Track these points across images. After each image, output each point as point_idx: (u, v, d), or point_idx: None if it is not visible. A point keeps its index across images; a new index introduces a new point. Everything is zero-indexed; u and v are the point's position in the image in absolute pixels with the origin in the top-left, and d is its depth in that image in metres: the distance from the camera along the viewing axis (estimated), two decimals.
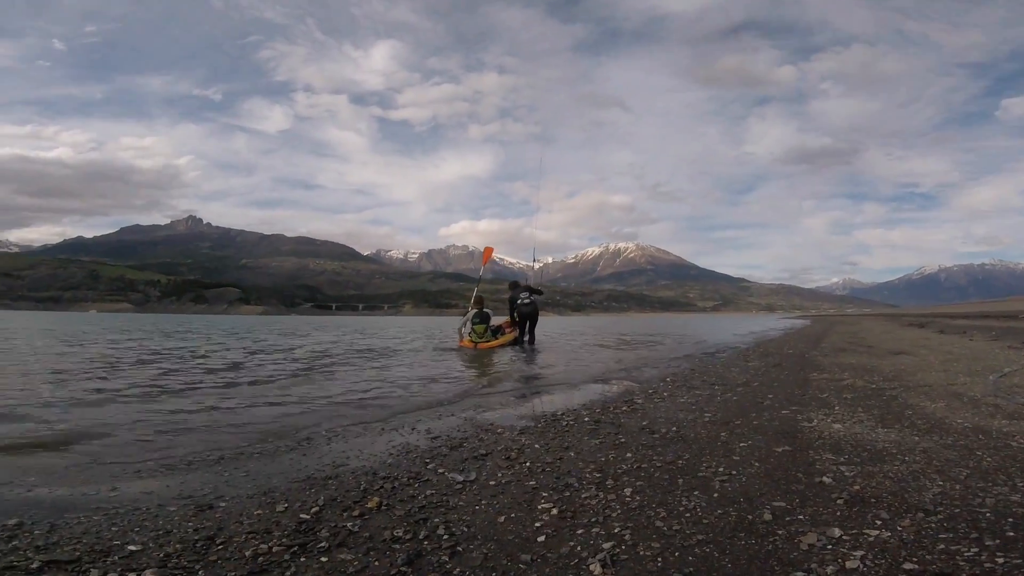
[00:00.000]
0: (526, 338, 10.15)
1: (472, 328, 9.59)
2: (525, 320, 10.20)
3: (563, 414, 3.35)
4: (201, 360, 7.17)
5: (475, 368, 6.16)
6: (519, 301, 10.14)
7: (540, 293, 10.72)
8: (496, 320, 10.20)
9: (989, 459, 1.93)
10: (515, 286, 10.38)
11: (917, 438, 2.25)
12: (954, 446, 2.11)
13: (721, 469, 2.03)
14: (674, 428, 2.78)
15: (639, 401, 3.70)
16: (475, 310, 9.77)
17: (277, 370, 5.99)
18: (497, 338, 9.66)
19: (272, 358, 7.54)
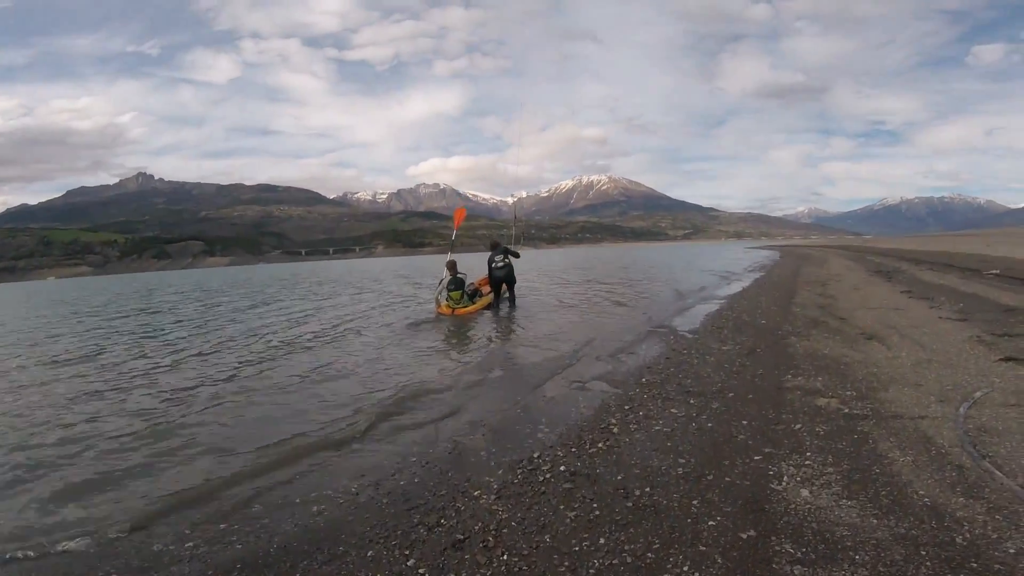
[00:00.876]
0: (505, 302, 10.48)
1: (448, 295, 9.74)
2: (499, 284, 10.43)
3: (539, 456, 3.39)
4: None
5: (445, 367, 6.06)
6: (494, 264, 10.33)
7: (517, 256, 10.82)
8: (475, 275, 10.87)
9: (928, 564, 2.02)
10: (495, 246, 10.51)
11: (875, 521, 2.34)
12: (905, 538, 2.20)
13: (685, 568, 2.11)
14: (647, 488, 2.83)
15: (615, 429, 3.76)
16: (449, 276, 9.84)
17: (204, 383, 5.83)
18: (475, 302, 9.89)
19: (198, 354, 7.31)
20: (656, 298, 12.15)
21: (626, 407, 4.24)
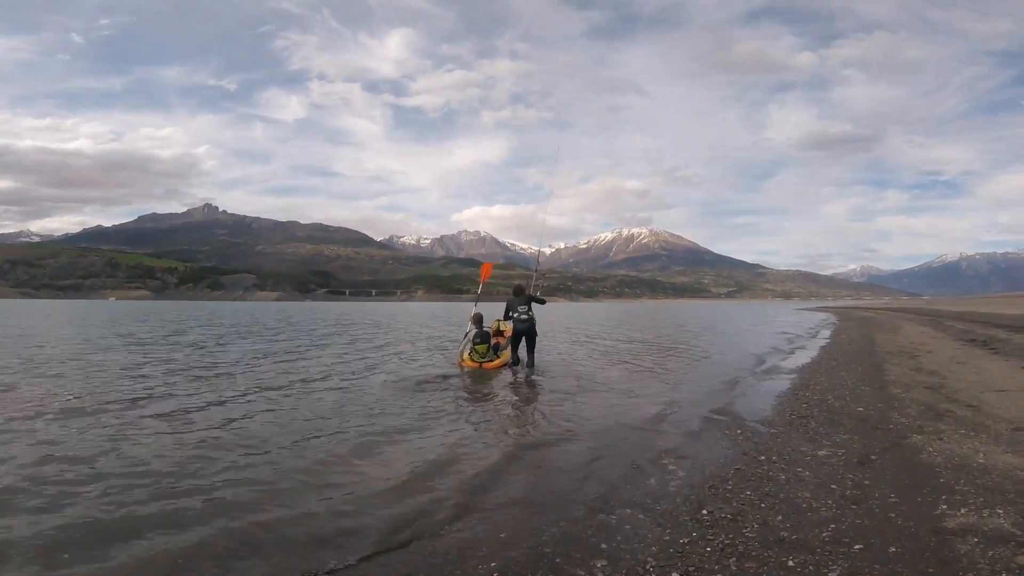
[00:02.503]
0: (523, 361, 9.27)
1: (474, 347, 9.49)
2: (519, 338, 9.35)
3: None
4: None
5: (437, 469, 4.32)
6: (515, 315, 9.20)
7: (542, 302, 9.87)
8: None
9: None
10: (518, 292, 9.40)
11: None
12: None
13: None
14: None
15: None
16: (475, 329, 9.59)
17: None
18: (499, 355, 9.61)
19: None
20: (709, 368, 10.16)
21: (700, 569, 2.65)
